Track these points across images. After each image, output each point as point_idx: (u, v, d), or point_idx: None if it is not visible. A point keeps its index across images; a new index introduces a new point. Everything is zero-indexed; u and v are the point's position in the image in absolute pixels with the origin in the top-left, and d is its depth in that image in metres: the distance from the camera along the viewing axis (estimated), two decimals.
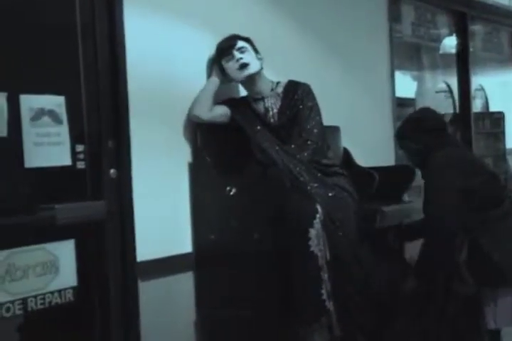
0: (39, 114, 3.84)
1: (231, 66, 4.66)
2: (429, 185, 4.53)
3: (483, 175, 4.58)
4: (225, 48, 4.69)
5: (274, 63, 5.00)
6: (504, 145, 9.68)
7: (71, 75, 4.14)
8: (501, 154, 9.66)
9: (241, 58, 4.64)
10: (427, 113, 4.93)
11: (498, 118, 9.61)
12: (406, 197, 5.37)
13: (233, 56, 4.65)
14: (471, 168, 4.60)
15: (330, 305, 4.21)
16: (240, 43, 4.68)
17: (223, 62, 4.68)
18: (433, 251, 4.44)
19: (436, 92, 8.76)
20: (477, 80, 9.08)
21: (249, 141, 4.61)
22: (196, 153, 4.64)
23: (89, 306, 4.15)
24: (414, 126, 4.71)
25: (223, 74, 4.71)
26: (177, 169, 4.58)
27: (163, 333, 4.38)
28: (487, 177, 4.59)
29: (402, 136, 4.79)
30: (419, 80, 8.28)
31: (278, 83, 4.79)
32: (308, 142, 4.59)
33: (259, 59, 4.73)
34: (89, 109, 4.15)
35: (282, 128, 4.65)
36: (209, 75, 4.77)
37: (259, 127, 4.64)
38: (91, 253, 4.15)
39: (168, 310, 4.47)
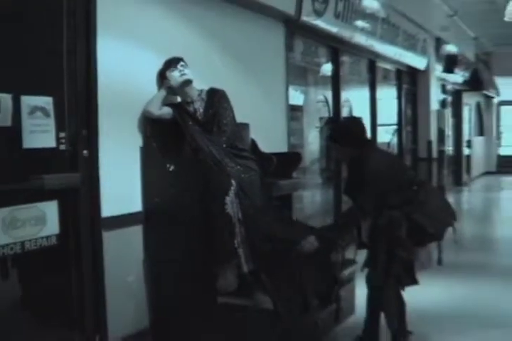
0: (34, 109, 3.73)
1: (174, 75, 4.58)
2: (365, 179, 4.23)
3: (400, 171, 4.51)
4: (170, 64, 4.61)
5: (204, 76, 4.94)
6: None
7: (57, 83, 4.03)
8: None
9: (181, 70, 4.58)
10: (355, 122, 4.72)
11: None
12: (294, 175, 5.32)
13: (177, 68, 4.59)
14: (397, 166, 4.58)
15: (240, 251, 4.19)
16: (182, 62, 4.61)
17: (167, 73, 4.60)
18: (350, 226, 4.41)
19: (317, 102, 8.61)
20: (345, 94, 8.99)
21: (184, 133, 4.53)
22: (146, 140, 4.53)
23: (67, 248, 4.06)
24: (345, 132, 4.51)
25: (167, 87, 4.61)
26: (132, 151, 4.46)
27: (120, 268, 4.32)
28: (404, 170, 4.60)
29: (335, 139, 4.55)
30: (306, 93, 8.20)
31: (202, 90, 4.69)
32: (225, 131, 4.55)
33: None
34: (69, 108, 4.05)
35: (206, 123, 4.56)
36: (158, 83, 4.67)
37: (190, 122, 4.55)
38: (69, 210, 4.04)
39: (123, 252, 4.38)
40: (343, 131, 4.54)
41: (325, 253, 4.44)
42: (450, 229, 4.43)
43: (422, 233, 4.16)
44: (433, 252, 4.47)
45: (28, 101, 3.70)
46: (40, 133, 3.78)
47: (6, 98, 3.58)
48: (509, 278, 6.72)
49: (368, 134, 4.67)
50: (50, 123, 3.85)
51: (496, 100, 23.22)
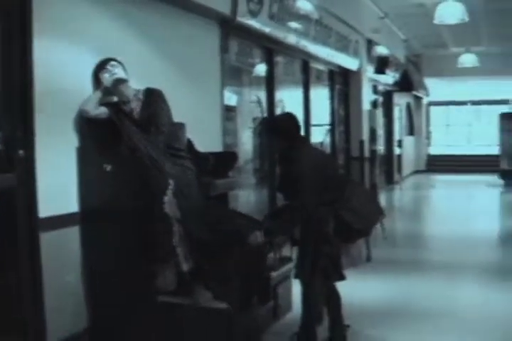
0: None
1: (105, 76, 4.58)
2: (297, 176, 4.32)
3: (331, 169, 4.62)
4: (101, 66, 4.60)
5: (140, 76, 4.94)
6: None
7: None
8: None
9: (111, 70, 4.57)
10: (291, 117, 4.75)
11: None
12: (230, 174, 5.35)
13: (107, 69, 4.59)
14: (327, 163, 4.64)
15: (178, 250, 4.22)
16: (112, 62, 4.61)
17: (100, 75, 4.59)
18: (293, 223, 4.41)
19: (250, 102, 8.56)
20: (279, 95, 9.04)
21: (121, 132, 4.48)
22: (82, 140, 4.51)
23: (4, 249, 4.04)
24: (279, 124, 4.63)
25: (102, 88, 4.60)
26: (68, 151, 4.43)
27: (58, 269, 4.32)
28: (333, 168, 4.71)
29: (269, 130, 4.70)
30: (239, 93, 8.24)
31: (139, 90, 4.68)
32: (162, 132, 4.54)
33: (125, 72, 4.65)
34: (4, 108, 4.04)
35: (143, 123, 4.54)
36: (94, 84, 4.64)
37: (127, 122, 4.52)
38: (6, 210, 4.03)
39: (62, 249, 4.38)
40: (278, 123, 4.66)
41: (261, 252, 4.50)
42: (379, 226, 4.56)
43: (349, 229, 4.26)
44: (362, 249, 4.58)
45: None
46: None
47: None
48: (438, 274, 6.95)
49: (302, 132, 4.74)
50: None
51: (425, 101, 23.83)
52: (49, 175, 4.20)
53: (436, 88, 22.52)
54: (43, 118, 4.14)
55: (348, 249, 4.42)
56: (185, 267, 4.22)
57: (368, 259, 4.58)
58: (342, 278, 4.48)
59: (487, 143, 21.81)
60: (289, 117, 4.72)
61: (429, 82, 21.78)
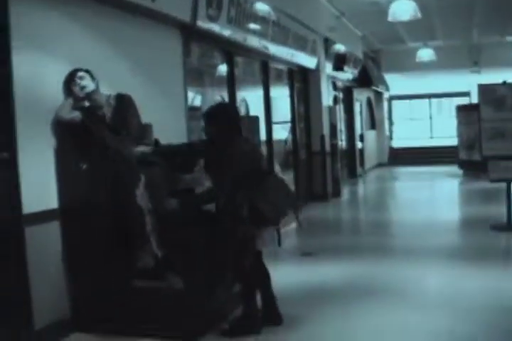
0: None
1: (76, 89, 4.98)
2: (225, 163, 4.70)
3: (257, 159, 5.00)
4: (70, 78, 5.00)
5: (109, 82, 5.35)
6: (259, 138, 9.40)
7: None
8: (257, 144, 9.26)
9: (79, 83, 4.97)
10: (225, 108, 5.26)
11: (255, 120, 9.44)
12: (196, 170, 5.55)
13: (76, 83, 4.98)
14: (254, 155, 5.00)
15: (152, 237, 4.68)
16: (79, 73, 4.99)
17: (71, 87, 4.98)
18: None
19: (214, 102, 8.65)
20: (241, 94, 9.47)
21: (94, 134, 4.87)
22: (59, 142, 4.89)
23: None
24: (214, 114, 4.98)
25: (73, 94, 4.99)
26: (47, 152, 4.83)
27: (41, 260, 4.71)
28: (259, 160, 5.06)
29: (206, 118, 5.00)
30: (203, 94, 8.65)
31: (110, 95, 5.08)
32: (132, 133, 4.99)
33: (95, 82, 5.04)
34: None
35: (115, 126, 4.95)
36: (65, 94, 5.01)
37: (100, 125, 4.92)
38: None
39: (44, 242, 4.77)
40: (210, 112, 5.05)
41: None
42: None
43: (261, 216, 4.64)
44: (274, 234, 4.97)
45: None
46: None
47: None
48: (400, 257, 7.50)
49: (240, 124, 5.04)
50: None
51: (386, 95, 24.40)
52: (30, 175, 4.62)
53: (397, 82, 23.14)
54: (23, 125, 4.57)
55: (261, 232, 4.78)
56: (158, 253, 4.67)
57: (279, 244, 5.00)
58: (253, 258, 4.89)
59: (448, 135, 22.45)
60: (222, 107, 5.15)
61: (390, 77, 22.39)
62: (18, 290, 4.57)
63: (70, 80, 5.01)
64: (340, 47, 14.30)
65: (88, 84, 5.02)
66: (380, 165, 22.60)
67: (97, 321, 4.90)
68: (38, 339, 4.64)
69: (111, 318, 4.84)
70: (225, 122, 4.89)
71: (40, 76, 4.83)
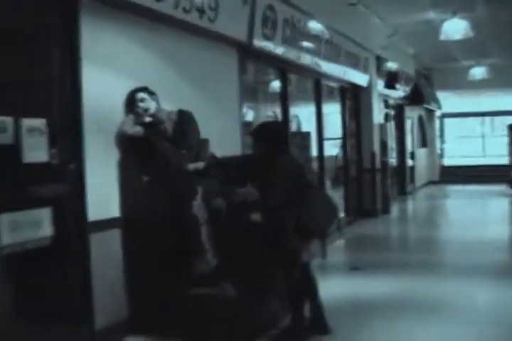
0: (31, 130, 4.41)
1: (138, 110, 5.27)
2: (272, 178, 4.87)
3: (303, 174, 5.18)
4: (131, 101, 5.29)
5: (170, 98, 5.64)
6: (310, 153, 10.12)
7: (49, 106, 4.79)
8: (308, 159, 9.90)
9: (142, 106, 5.26)
10: (274, 127, 5.47)
11: (306, 136, 10.11)
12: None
13: (137, 106, 5.27)
14: (299, 171, 5.18)
15: (207, 245, 4.93)
16: (139, 95, 5.27)
17: (133, 108, 5.28)
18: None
19: (266, 117, 9.07)
20: (293, 110, 9.68)
21: (155, 148, 5.20)
22: (122, 155, 5.22)
23: (60, 247, 4.67)
24: (264, 132, 5.18)
25: (135, 112, 5.28)
26: (111, 164, 5.14)
27: (104, 260, 5.00)
28: (304, 176, 5.24)
29: (254, 135, 5.22)
30: (256, 110, 8.88)
31: (171, 111, 5.38)
32: (192, 148, 5.26)
33: (154, 99, 5.32)
34: (60, 131, 4.78)
35: (176, 140, 5.24)
36: (126, 109, 5.32)
37: (161, 139, 5.23)
38: (61, 215, 4.67)
39: (106, 248, 5.07)
40: (261, 130, 5.26)
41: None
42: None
43: (306, 230, 4.86)
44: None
45: (26, 122, 4.41)
46: (36, 149, 4.49)
47: (9, 120, 4.31)
48: (449, 274, 7.61)
49: (286, 140, 5.32)
50: (44, 141, 4.55)
51: (438, 113, 24.34)
52: (96, 185, 4.94)
53: (449, 100, 23.07)
54: (89, 138, 4.90)
55: (307, 245, 4.99)
56: (213, 262, 4.92)
57: (324, 256, 5.19)
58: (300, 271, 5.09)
59: (500, 153, 22.29)
60: (272, 125, 5.38)
61: (442, 95, 22.37)
62: (81, 292, 4.88)
63: (130, 102, 5.29)
64: (392, 65, 14.42)
65: (150, 105, 5.30)
66: (430, 182, 22.54)
67: (153, 325, 5.15)
68: (98, 338, 4.93)
69: (166, 322, 5.09)
70: (274, 140, 5.07)
71: (106, 92, 5.14)
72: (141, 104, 5.26)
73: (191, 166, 5.15)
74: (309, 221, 4.85)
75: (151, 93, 5.36)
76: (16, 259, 4.31)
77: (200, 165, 5.21)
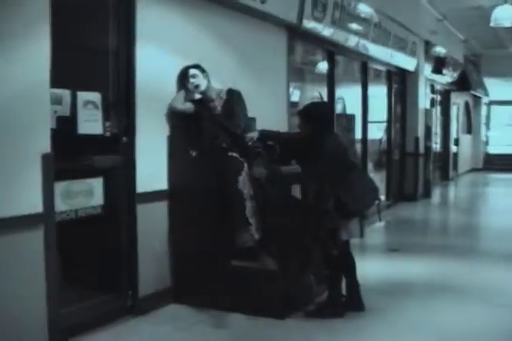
0: (86, 103, 4.64)
1: (190, 86, 5.41)
2: (321, 155, 4.94)
3: (347, 156, 5.21)
4: (183, 76, 5.43)
5: (219, 77, 5.75)
6: (354, 136, 10.08)
7: (104, 81, 4.96)
8: (352, 142, 9.63)
9: (193, 82, 5.40)
10: (323, 108, 5.52)
11: (351, 118, 10.12)
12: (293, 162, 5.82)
13: (189, 81, 5.41)
14: (342, 152, 5.17)
15: (251, 220, 5.03)
16: (192, 71, 5.41)
17: (185, 83, 5.42)
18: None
19: (312, 98, 9.17)
20: (339, 92, 9.71)
21: (204, 125, 5.35)
22: (172, 130, 5.37)
23: (109, 216, 4.91)
24: (312, 113, 5.18)
25: (186, 88, 5.43)
26: (161, 139, 5.30)
27: (150, 231, 5.20)
28: (348, 157, 5.25)
29: (302, 116, 5.24)
30: (302, 90, 8.98)
31: (222, 90, 5.48)
32: (239, 126, 5.34)
33: (206, 76, 5.45)
34: (114, 105, 4.97)
35: (224, 117, 5.35)
36: (178, 87, 5.47)
37: (210, 116, 5.36)
38: (111, 186, 4.89)
39: (153, 219, 5.25)
40: (309, 110, 5.29)
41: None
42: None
43: (344, 208, 4.96)
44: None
45: (82, 96, 4.62)
46: (91, 122, 4.71)
47: (66, 93, 4.52)
48: (488, 258, 7.63)
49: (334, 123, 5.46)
50: (99, 114, 4.76)
51: (485, 100, 24.05)
52: (145, 158, 5.11)
53: (497, 87, 22.77)
54: (141, 113, 5.06)
55: (347, 223, 5.09)
56: (256, 235, 5.05)
57: (362, 235, 5.29)
58: (335, 248, 5.20)
59: None
60: (319, 106, 5.45)
61: (490, 82, 22.10)
62: (127, 259, 5.08)
63: (183, 77, 5.43)
64: (440, 50, 14.33)
65: (201, 82, 5.42)
66: (473, 170, 22.37)
67: (195, 294, 5.35)
68: (141, 305, 5.13)
69: (207, 292, 5.28)
70: (320, 121, 5.14)
71: (159, 70, 5.28)
72: (192, 80, 5.40)
73: (249, 135, 5.28)
74: (349, 201, 4.95)
75: (203, 70, 5.48)
76: (67, 226, 4.50)
77: (255, 134, 5.33)
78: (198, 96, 5.55)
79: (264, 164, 5.22)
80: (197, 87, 5.41)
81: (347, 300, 5.35)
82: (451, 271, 6.94)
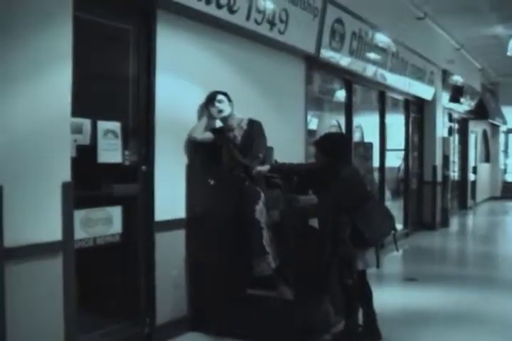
0: (106, 132, 4.68)
1: (213, 110, 5.47)
2: (338, 185, 4.94)
3: (363, 185, 5.32)
4: (210, 100, 5.48)
5: (239, 106, 5.73)
6: (372, 164, 10.06)
7: (124, 110, 5.00)
8: (370, 170, 9.94)
9: (218, 107, 5.45)
10: (340, 139, 5.49)
11: (369, 147, 10.05)
12: (310, 192, 5.82)
13: (214, 105, 5.47)
14: (360, 181, 5.29)
15: (268, 249, 5.05)
16: (219, 97, 5.47)
17: (209, 107, 5.48)
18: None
19: (330, 127, 9.24)
20: (357, 120, 9.75)
21: (222, 154, 5.40)
22: (190, 159, 5.40)
23: (127, 244, 4.92)
24: (328, 144, 5.18)
25: (209, 115, 5.50)
26: (179, 168, 5.33)
27: (167, 259, 5.20)
28: (364, 186, 5.36)
29: (319, 146, 5.24)
30: (320, 118, 9.00)
31: (242, 120, 5.52)
32: (258, 157, 5.38)
33: (231, 105, 5.51)
34: (133, 134, 5.01)
35: (243, 148, 5.40)
36: (200, 114, 5.53)
37: (230, 146, 5.41)
38: (130, 214, 4.91)
39: (170, 247, 5.25)
40: (325, 141, 5.27)
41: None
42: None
43: (361, 237, 4.94)
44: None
45: (102, 125, 4.67)
46: (111, 151, 4.75)
47: (87, 122, 4.57)
48: (506, 288, 7.58)
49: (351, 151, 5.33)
50: (118, 143, 4.81)
51: (503, 128, 23.94)
52: (164, 187, 5.14)
53: None
54: (160, 141, 5.11)
55: (363, 253, 5.08)
56: (273, 265, 5.05)
57: (378, 265, 5.26)
58: (352, 278, 5.17)
59: None
60: (337, 138, 5.44)
61: (508, 110, 22.01)
62: (145, 287, 5.09)
63: (209, 101, 5.48)
64: (457, 79, 14.34)
65: (225, 108, 5.48)
66: (492, 198, 22.20)
67: (212, 322, 5.34)
68: (158, 332, 5.12)
69: (224, 321, 5.26)
70: (337, 153, 5.13)
71: (178, 99, 5.33)
72: (218, 105, 5.45)
73: (258, 168, 5.30)
74: (366, 230, 4.94)
75: (230, 99, 5.55)
76: (86, 254, 4.51)
77: (266, 167, 5.36)
78: (219, 123, 5.60)
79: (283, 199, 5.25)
80: (220, 111, 5.46)
81: (364, 330, 5.31)
82: (469, 301, 6.87)
